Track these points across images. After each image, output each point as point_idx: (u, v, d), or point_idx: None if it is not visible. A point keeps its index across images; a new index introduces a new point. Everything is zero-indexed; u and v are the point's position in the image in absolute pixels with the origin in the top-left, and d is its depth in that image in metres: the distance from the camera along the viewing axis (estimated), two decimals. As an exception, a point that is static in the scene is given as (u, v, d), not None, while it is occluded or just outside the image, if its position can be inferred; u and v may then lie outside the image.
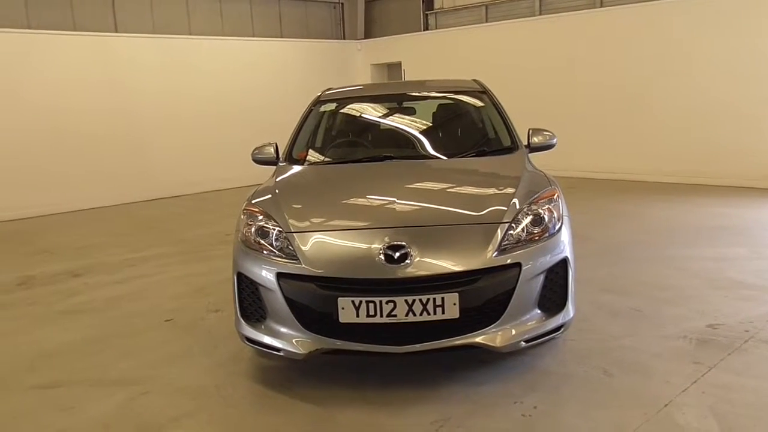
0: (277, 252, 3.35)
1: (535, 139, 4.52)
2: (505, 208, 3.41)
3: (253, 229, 3.52)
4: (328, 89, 5.30)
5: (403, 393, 3.32)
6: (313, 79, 11.83)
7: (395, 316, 3.07)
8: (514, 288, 3.19)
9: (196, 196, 10.88)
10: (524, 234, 3.33)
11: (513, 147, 4.43)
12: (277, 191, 3.87)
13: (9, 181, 9.21)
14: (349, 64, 13.70)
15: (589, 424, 2.95)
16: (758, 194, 8.42)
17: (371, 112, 5.10)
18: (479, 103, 4.94)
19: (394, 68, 13.66)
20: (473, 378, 3.44)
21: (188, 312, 4.82)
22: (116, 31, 10.43)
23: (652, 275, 5.17)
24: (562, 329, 3.41)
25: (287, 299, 3.24)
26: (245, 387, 3.53)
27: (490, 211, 3.42)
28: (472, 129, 4.96)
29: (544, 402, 3.17)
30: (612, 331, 4.03)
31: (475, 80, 5.23)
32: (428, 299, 3.07)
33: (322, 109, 5.01)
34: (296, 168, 4.39)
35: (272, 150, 4.57)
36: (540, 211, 3.45)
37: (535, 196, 3.55)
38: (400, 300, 3.06)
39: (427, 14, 13.01)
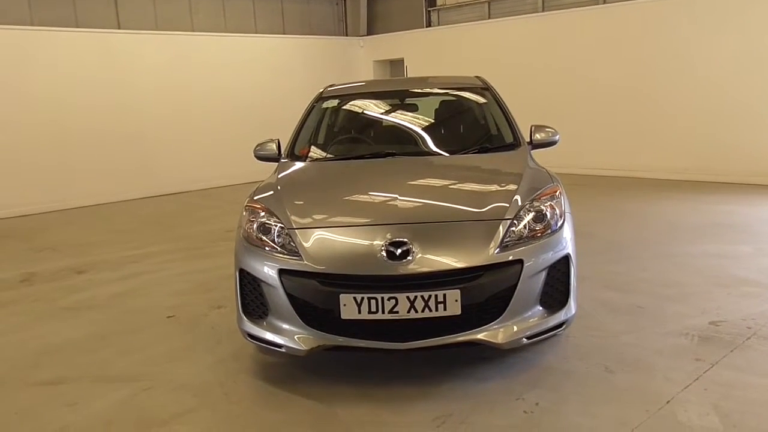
0: (279, 248, 3.35)
1: (538, 136, 4.52)
2: (507, 205, 3.41)
3: (255, 226, 3.52)
4: (331, 86, 5.29)
5: (404, 389, 3.32)
6: (316, 76, 11.83)
7: (397, 312, 3.07)
8: (516, 285, 3.19)
9: (199, 193, 10.89)
10: (526, 231, 3.33)
11: (515, 144, 4.42)
12: (279, 188, 3.87)
13: (12, 178, 9.23)
14: (351, 60, 13.69)
15: (591, 421, 2.95)
16: (763, 191, 8.39)
17: (373, 108, 5.09)
18: (482, 100, 4.93)
19: (396, 65, 13.65)
20: (475, 374, 3.44)
21: (190, 308, 4.83)
22: (119, 28, 10.43)
23: (655, 272, 5.16)
24: (563, 326, 3.40)
25: (289, 296, 3.24)
26: (247, 383, 3.54)
27: (492, 207, 3.42)
28: (474, 126, 4.95)
29: (546, 399, 3.17)
30: (614, 328, 4.02)
31: (477, 77, 5.22)
32: (430, 296, 3.07)
33: (325, 105, 5.00)
34: (298, 164, 4.39)
35: (274, 146, 4.57)
36: (542, 207, 3.45)
37: (537, 192, 3.55)
38: (401, 297, 3.06)
39: (429, 11, 12.98)
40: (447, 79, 5.51)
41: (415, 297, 3.06)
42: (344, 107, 5.07)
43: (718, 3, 9.04)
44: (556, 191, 3.62)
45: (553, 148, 4.63)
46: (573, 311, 3.42)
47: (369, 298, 3.08)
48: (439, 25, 12.93)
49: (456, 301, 3.08)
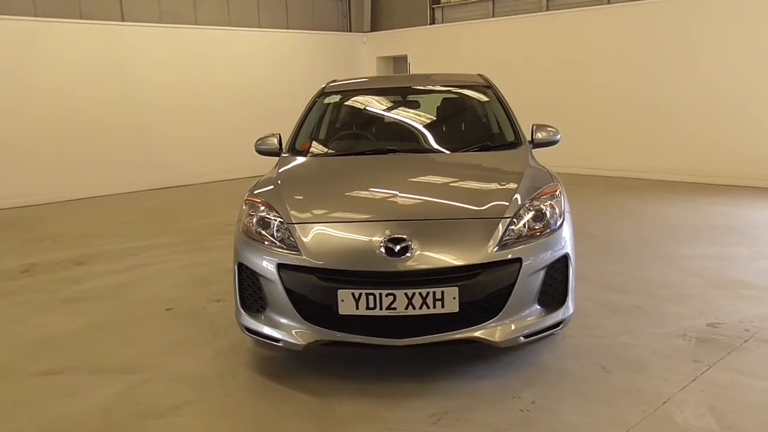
0: (278, 243, 3.36)
1: (539, 135, 4.52)
2: (507, 204, 3.41)
3: (254, 220, 3.53)
4: (333, 81, 5.29)
5: (401, 386, 3.33)
6: (319, 71, 11.84)
7: (395, 309, 3.08)
8: (515, 283, 3.19)
9: (200, 186, 10.90)
10: (525, 229, 3.33)
11: (516, 142, 4.42)
12: (279, 182, 3.88)
13: (13, 168, 9.24)
14: (354, 56, 13.68)
15: (588, 420, 2.96)
16: (761, 194, 8.39)
17: (375, 104, 5.09)
18: (483, 98, 4.92)
19: (399, 61, 13.64)
20: (472, 372, 3.45)
21: (189, 301, 4.84)
22: (123, 20, 10.42)
23: (653, 273, 5.17)
24: (561, 325, 3.41)
25: (287, 290, 3.25)
26: (245, 377, 3.55)
27: (492, 206, 3.42)
28: (476, 123, 4.95)
29: (543, 397, 3.18)
30: (611, 328, 4.03)
31: (479, 75, 5.21)
32: (428, 293, 3.07)
33: (327, 100, 5.00)
34: (299, 159, 4.39)
35: (275, 141, 4.57)
36: (542, 207, 3.45)
37: (537, 191, 3.55)
38: (399, 293, 3.07)
39: (433, 8, 12.97)
40: (449, 76, 5.51)
41: (413, 294, 3.07)
42: (346, 103, 5.07)
43: (721, 5, 9.03)
44: (556, 191, 3.62)
45: (554, 147, 4.63)
46: (571, 311, 3.43)
47: (367, 294, 3.08)
48: (443, 22, 12.91)
49: (454, 298, 3.09)
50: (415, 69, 12.86)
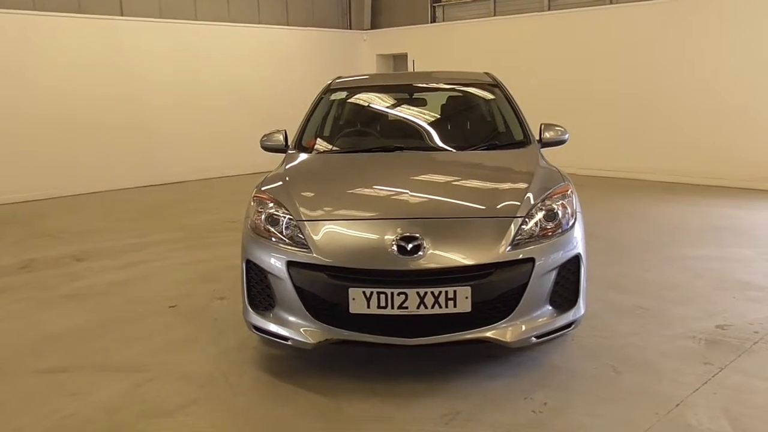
0: (287, 240, 3.32)
1: (547, 134, 4.50)
2: (519, 203, 3.38)
3: (263, 217, 3.48)
4: (339, 78, 5.25)
5: (411, 386, 3.30)
6: (318, 68, 11.78)
7: (406, 308, 3.05)
8: (527, 283, 3.16)
9: (201, 183, 10.83)
10: (537, 229, 3.30)
11: (525, 141, 4.39)
12: (287, 179, 3.83)
13: (12, 164, 9.15)
14: (354, 54, 13.62)
15: (601, 422, 2.93)
16: (764, 196, 8.39)
17: (382, 102, 5.05)
18: (491, 96, 4.89)
19: (399, 59, 13.59)
20: (482, 372, 3.42)
21: (193, 299, 4.79)
22: (122, 15, 10.34)
23: (658, 274, 5.15)
24: (573, 326, 3.39)
25: (297, 288, 3.21)
26: (252, 375, 3.51)
27: (504, 205, 3.39)
28: (484, 122, 4.92)
29: (554, 398, 3.15)
30: (619, 329, 4.01)
31: (486, 73, 5.18)
32: (440, 292, 3.04)
33: (333, 97, 4.96)
34: (306, 156, 4.35)
35: (281, 137, 4.53)
36: (554, 206, 3.42)
37: (549, 191, 3.52)
38: (411, 292, 3.03)
39: (434, 6, 12.92)
40: (456, 74, 5.48)
41: (425, 293, 3.03)
42: (353, 100, 5.03)
43: (722, 7, 9.02)
44: (567, 190, 3.59)
45: (560, 147, 4.61)
46: (582, 311, 3.40)
47: (378, 293, 3.05)
48: (444, 21, 12.87)
49: (466, 298, 3.05)
50: (416, 67, 12.80)
